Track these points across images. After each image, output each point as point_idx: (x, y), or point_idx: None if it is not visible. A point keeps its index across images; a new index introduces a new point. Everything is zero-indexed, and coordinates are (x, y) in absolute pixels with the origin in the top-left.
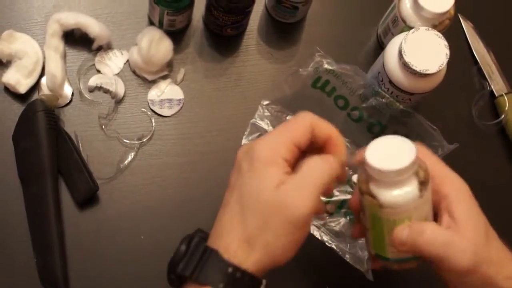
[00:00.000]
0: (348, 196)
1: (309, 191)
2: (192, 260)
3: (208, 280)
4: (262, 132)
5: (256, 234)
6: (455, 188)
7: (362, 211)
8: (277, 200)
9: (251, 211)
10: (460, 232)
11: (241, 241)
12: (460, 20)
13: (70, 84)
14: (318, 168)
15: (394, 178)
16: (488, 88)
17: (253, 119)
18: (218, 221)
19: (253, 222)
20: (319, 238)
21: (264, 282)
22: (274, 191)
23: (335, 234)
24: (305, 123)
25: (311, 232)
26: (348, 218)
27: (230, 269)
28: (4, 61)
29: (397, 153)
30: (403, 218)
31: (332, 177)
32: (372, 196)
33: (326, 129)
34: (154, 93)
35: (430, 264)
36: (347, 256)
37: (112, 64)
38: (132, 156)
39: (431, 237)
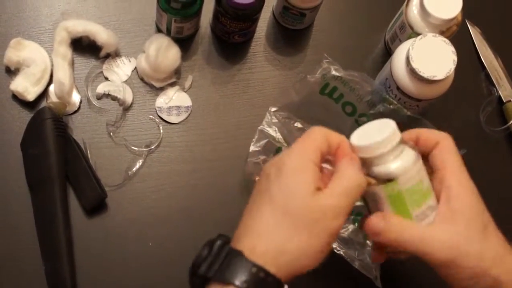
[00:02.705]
0: (356, 203)
1: (346, 202)
2: (216, 261)
3: (232, 279)
4: (270, 139)
5: (289, 239)
6: (458, 181)
7: (374, 207)
8: (315, 207)
9: (286, 215)
10: (451, 224)
11: (271, 244)
12: (467, 26)
13: (78, 92)
14: (352, 177)
15: (386, 148)
16: (496, 94)
17: (261, 126)
18: (243, 224)
19: (287, 226)
20: None
21: (286, 286)
22: (311, 197)
23: (344, 241)
24: (321, 132)
25: None
26: (356, 224)
27: (254, 269)
28: (12, 68)
29: (379, 129)
30: (417, 181)
31: (362, 187)
32: (379, 179)
33: (338, 137)
34: (162, 100)
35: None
36: (356, 263)
37: (120, 72)
38: (140, 163)
39: (411, 235)
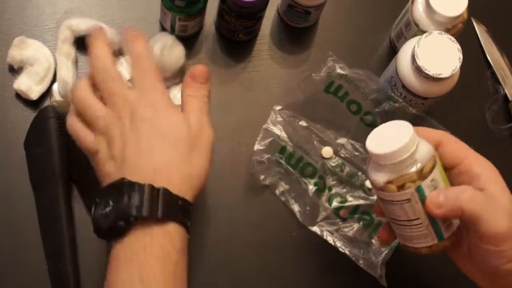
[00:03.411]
0: (361, 201)
1: (205, 120)
2: (143, 200)
3: (169, 216)
4: (275, 137)
5: (190, 164)
6: (487, 169)
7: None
8: (193, 131)
9: (177, 146)
10: (496, 202)
11: (179, 175)
12: (473, 24)
13: None
14: (196, 102)
15: (409, 153)
16: (502, 92)
17: (266, 124)
18: (145, 163)
19: (182, 154)
20: (333, 243)
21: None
22: (187, 126)
23: (349, 240)
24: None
25: (325, 237)
26: (361, 223)
27: (180, 202)
28: (16, 67)
29: (395, 132)
30: (438, 173)
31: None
32: (409, 179)
33: None
34: None
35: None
36: (361, 261)
37: (123, 70)
38: None
39: (472, 195)
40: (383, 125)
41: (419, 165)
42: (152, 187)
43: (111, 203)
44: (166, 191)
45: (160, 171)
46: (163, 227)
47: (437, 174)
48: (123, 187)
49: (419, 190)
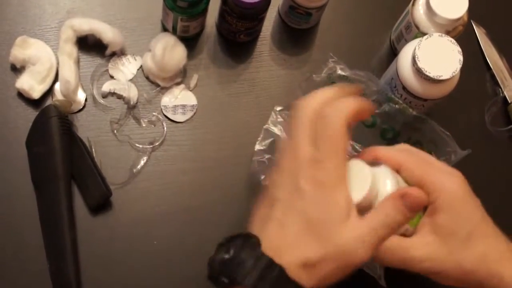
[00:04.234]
0: None
1: (372, 242)
2: (255, 270)
3: None
4: (275, 138)
5: (319, 262)
6: (442, 195)
7: None
8: (344, 242)
9: (317, 238)
10: (432, 238)
11: (303, 263)
12: (473, 26)
13: (84, 90)
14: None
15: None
16: (501, 94)
17: (266, 125)
18: (278, 236)
19: (318, 250)
20: None
21: None
22: (344, 227)
23: None
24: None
25: None
26: None
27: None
28: (18, 66)
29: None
30: None
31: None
32: None
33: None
34: (167, 99)
35: None
36: None
37: (125, 70)
38: (145, 161)
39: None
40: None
41: None
42: (270, 262)
43: (231, 253)
44: (282, 273)
45: (288, 249)
46: None
47: None
48: (248, 245)
49: None
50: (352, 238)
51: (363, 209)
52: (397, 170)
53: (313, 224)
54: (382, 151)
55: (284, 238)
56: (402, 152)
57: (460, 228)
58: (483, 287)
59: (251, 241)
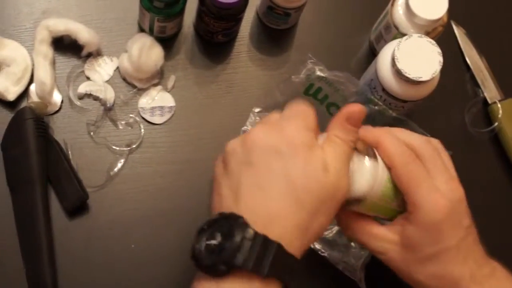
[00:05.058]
0: None
1: (346, 171)
2: (253, 252)
3: (274, 275)
4: None
5: (311, 219)
6: (419, 212)
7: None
8: (329, 184)
9: (304, 197)
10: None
11: (295, 229)
12: (452, 27)
13: (60, 91)
14: (341, 146)
15: None
16: (481, 95)
17: (245, 126)
18: (261, 205)
19: (307, 207)
20: (312, 246)
21: None
22: (324, 176)
23: (328, 243)
24: (310, 108)
25: None
26: None
27: (290, 261)
28: None
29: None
30: (384, 185)
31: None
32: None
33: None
34: (144, 101)
35: None
36: (340, 265)
37: (102, 71)
38: (122, 163)
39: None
40: None
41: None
42: (265, 240)
43: (218, 238)
44: (279, 248)
45: (276, 219)
46: (266, 284)
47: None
48: (236, 226)
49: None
50: (330, 176)
51: (355, 200)
52: (388, 169)
53: (294, 184)
54: (386, 142)
55: (269, 206)
56: (403, 154)
57: (422, 246)
58: None
59: (238, 222)
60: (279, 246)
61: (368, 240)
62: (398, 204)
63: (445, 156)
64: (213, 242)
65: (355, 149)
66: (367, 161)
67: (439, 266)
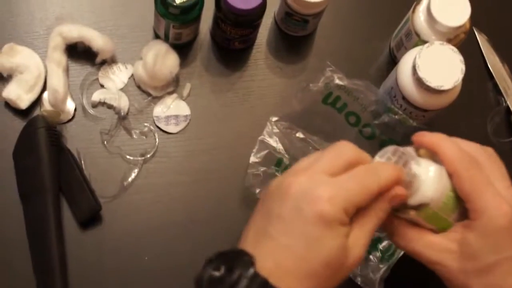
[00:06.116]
0: None
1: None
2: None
3: None
4: (271, 149)
5: (323, 284)
6: (483, 218)
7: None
8: (348, 265)
9: (318, 268)
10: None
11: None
12: (475, 34)
13: (73, 99)
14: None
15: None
16: (504, 104)
17: (262, 136)
18: (272, 252)
19: (321, 277)
20: None
21: None
22: (343, 256)
23: None
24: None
25: None
26: None
27: None
28: (5, 75)
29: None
30: (446, 194)
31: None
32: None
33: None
34: (159, 109)
35: None
36: (358, 279)
37: (116, 79)
38: (136, 173)
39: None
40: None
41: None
42: (264, 283)
43: (222, 270)
44: None
45: (286, 275)
46: None
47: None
48: (239, 263)
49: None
50: (350, 259)
51: (415, 207)
52: (450, 175)
53: (314, 256)
54: (445, 148)
55: (282, 260)
56: (464, 159)
57: (484, 255)
58: None
59: (244, 259)
60: None
61: (423, 249)
62: (454, 218)
63: (500, 163)
64: (216, 273)
65: (418, 154)
66: (432, 166)
67: (498, 276)
